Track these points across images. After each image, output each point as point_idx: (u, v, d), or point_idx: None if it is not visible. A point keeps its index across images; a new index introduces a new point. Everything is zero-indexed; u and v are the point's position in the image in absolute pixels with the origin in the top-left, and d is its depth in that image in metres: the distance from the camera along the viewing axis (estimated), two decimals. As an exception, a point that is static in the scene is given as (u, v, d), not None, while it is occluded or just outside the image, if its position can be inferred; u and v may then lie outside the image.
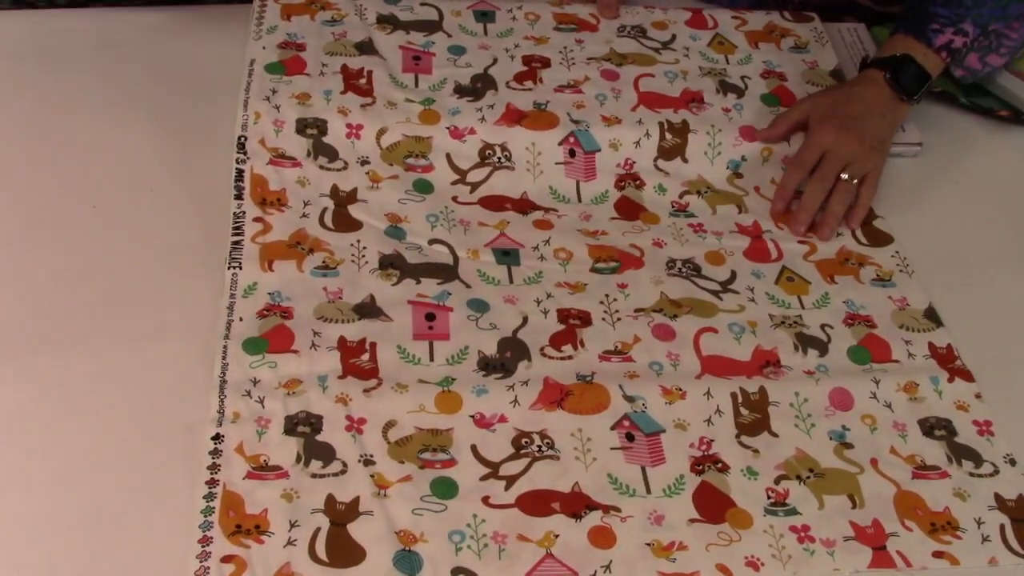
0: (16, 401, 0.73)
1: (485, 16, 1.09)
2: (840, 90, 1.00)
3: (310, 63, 1.00)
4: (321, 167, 0.92)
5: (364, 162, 0.93)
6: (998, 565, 0.71)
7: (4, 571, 0.65)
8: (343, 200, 0.90)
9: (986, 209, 1.00)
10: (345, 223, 0.88)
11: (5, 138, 0.93)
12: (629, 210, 0.95)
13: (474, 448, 0.74)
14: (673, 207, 0.95)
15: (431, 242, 0.88)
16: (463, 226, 0.90)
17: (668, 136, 0.98)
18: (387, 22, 1.06)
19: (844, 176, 0.94)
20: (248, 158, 0.91)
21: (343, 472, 0.71)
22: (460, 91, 0.99)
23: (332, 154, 0.93)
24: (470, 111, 0.97)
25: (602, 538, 0.70)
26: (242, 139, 0.92)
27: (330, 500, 0.70)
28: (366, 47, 1.03)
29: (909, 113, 1.01)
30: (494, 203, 0.93)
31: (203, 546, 0.67)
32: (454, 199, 0.92)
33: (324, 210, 0.89)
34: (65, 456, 0.71)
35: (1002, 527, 0.73)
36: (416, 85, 0.99)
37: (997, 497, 0.75)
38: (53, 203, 0.87)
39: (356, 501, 0.70)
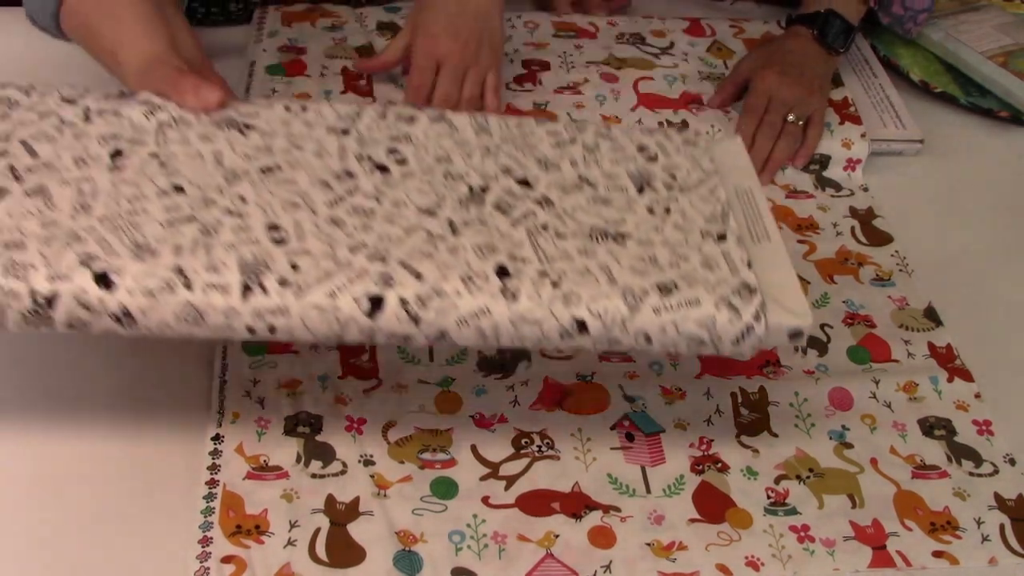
0: (15, 399, 0.73)
1: None
2: (772, 45, 1.04)
3: (310, 65, 1.00)
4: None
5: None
6: (998, 565, 0.71)
7: (4, 571, 0.65)
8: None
9: (986, 209, 1.00)
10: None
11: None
12: (629, 210, 0.95)
13: (474, 448, 0.74)
14: (673, 207, 0.95)
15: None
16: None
17: (668, 137, 0.98)
18: (387, 29, 1.06)
19: (791, 118, 0.98)
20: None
21: (343, 472, 0.71)
22: (460, 92, 0.99)
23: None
24: (470, 111, 0.97)
25: (602, 538, 0.70)
26: (242, 140, 0.92)
27: (330, 500, 0.70)
28: (366, 52, 1.03)
29: (906, 102, 1.05)
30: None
31: (203, 546, 0.67)
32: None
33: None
34: (64, 456, 0.71)
35: (1002, 527, 0.73)
36: (416, 86, 1.00)
37: (997, 497, 0.75)
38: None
39: (356, 501, 0.70)
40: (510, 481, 0.72)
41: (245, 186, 0.63)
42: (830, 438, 0.78)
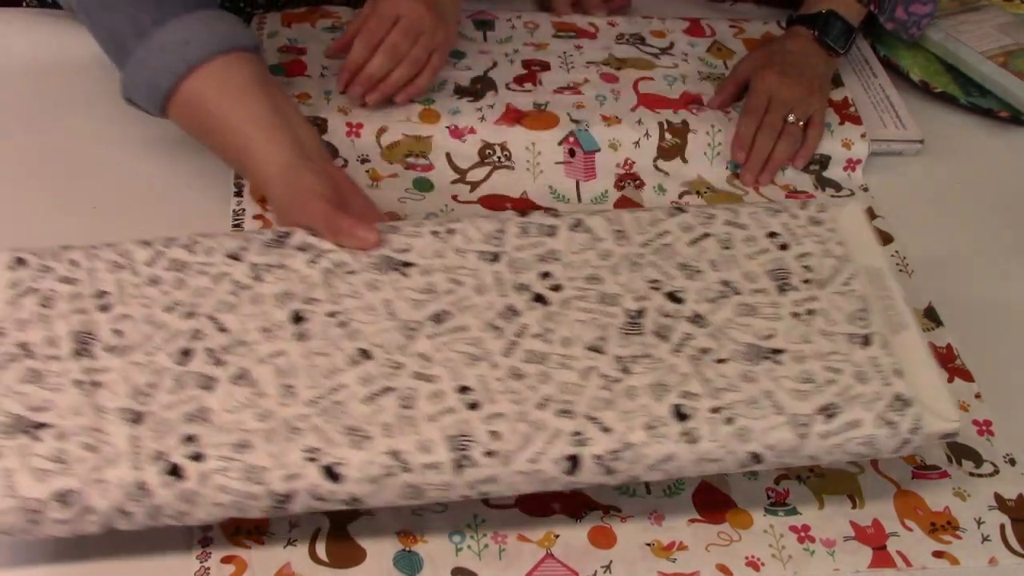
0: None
1: (484, 24, 1.09)
2: (772, 45, 1.05)
3: (310, 66, 1.00)
4: (321, 166, 0.92)
5: (364, 160, 0.93)
6: (998, 565, 0.71)
7: (4, 571, 0.65)
8: (343, 200, 0.90)
9: (986, 209, 1.00)
10: (345, 223, 0.89)
11: (4, 138, 0.93)
12: (629, 211, 0.95)
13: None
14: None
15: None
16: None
17: (668, 136, 0.98)
18: None
19: (791, 119, 0.98)
20: (248, 157, 0.91)
21: None
22: (460, 92, 0.99)
23: (332, 152, 0.93)
24: (470, 111, 0.97)
25: (602, 538, 0.70)
26: (242, 139, 0.92)
27: (330, 500, 0.70)
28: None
29: (906, 102, 1.05)
30: (494, 202, 0.93)
31: (203, 546, 0.67)
32: (454, 198, 0.93)
33: (324, 210, 0.89)
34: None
35: (1002, 527, 0.73)
36: (416, 86, 1.00)
37: (997, 497, 0.75)
38: (53, 204, 0.87)
39: (356, 501, 0.70)
40: (510, 481, 0.72)
41: (423, 342, 0.67)
42: (830, 438, 0.78)
